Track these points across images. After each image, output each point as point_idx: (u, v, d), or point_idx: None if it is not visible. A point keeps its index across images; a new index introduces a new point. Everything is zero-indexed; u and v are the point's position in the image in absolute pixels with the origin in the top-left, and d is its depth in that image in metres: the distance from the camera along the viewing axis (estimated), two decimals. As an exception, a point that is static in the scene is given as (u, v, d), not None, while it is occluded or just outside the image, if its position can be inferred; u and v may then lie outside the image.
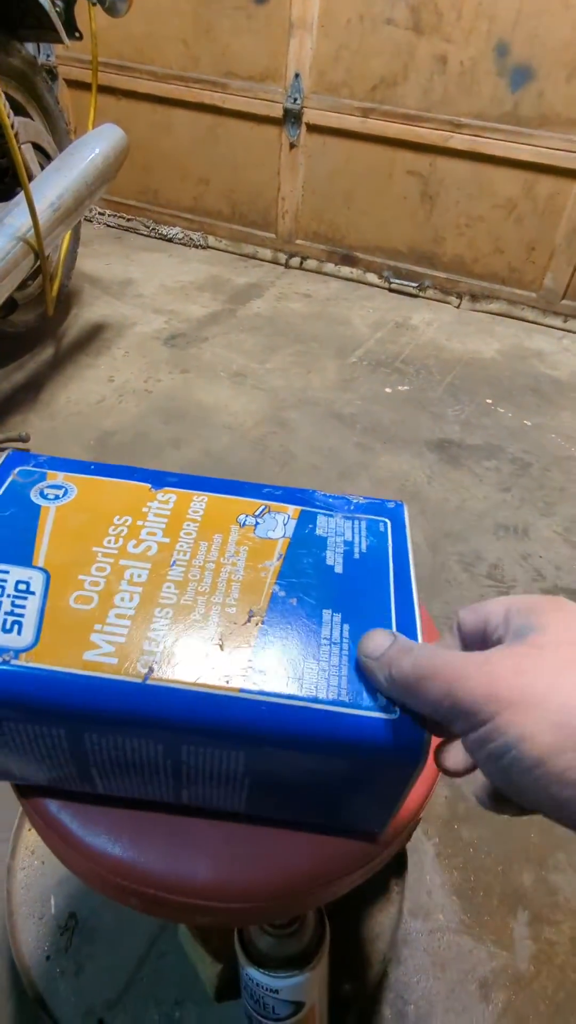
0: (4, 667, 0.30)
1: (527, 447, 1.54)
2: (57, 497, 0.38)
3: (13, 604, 0.32)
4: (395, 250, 2.20)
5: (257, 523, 0.38)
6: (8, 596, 0.32)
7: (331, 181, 2.15)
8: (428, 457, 1.47)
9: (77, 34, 1.51)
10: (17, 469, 0.40)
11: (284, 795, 0.34)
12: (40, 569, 0.34)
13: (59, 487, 0.39)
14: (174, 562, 0.35)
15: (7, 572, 0.34)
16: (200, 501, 0.39)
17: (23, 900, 0.64)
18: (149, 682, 0.30)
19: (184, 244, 2.44)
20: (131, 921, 0.63)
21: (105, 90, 2.24)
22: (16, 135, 1.22)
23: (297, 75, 1.99)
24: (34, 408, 1.51)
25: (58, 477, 0.40)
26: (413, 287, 2.20)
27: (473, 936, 0.73)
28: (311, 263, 2.31)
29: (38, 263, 1.29)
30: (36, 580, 0.33)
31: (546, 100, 1.80)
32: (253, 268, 2.32)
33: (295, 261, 2.32)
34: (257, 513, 0.39)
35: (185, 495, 0.39)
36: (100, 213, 2.53)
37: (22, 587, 0.33)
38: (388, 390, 1.71)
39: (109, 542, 0.36)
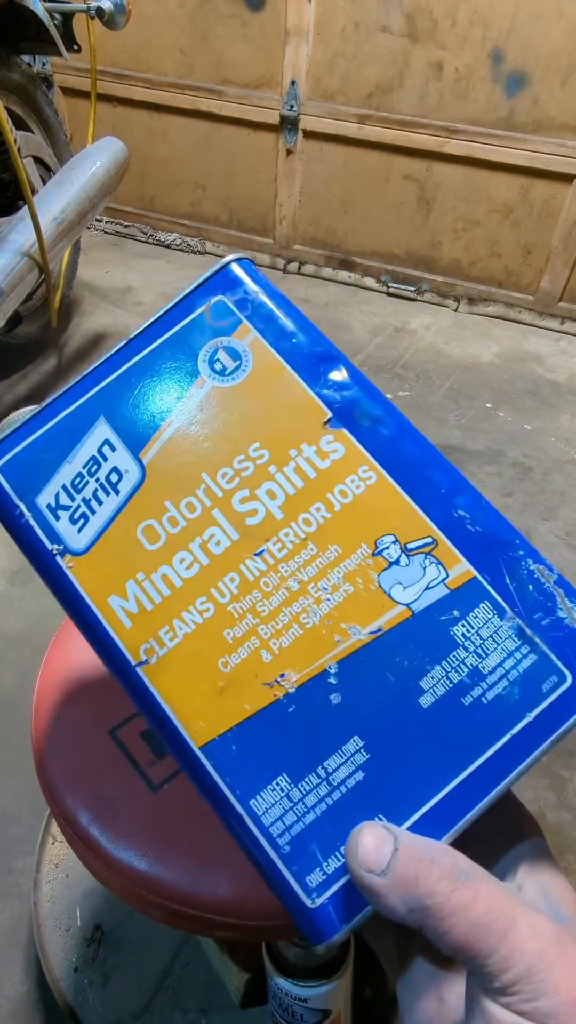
0: (54, 558, 0.27)
1: (527, 451, 1.56)
2: (223, 371, 0.28)
3: (95, 494, 0.27)
4: (392, 254, 2.22)
5: (396, 563, 0.26)
6: (97, 481, 0.27)
7: (328, 187, 2.16)
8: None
9: (76, 47, 1.52)
10: (218, 298, 0.30)
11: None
12: (141, 466, 0.27)
13: (237, 355, 0.29)
14: (262, 551, 0.26)
15: (114, 450, 0.28)
16: (366, 478, 0.27)
17: (49, 912, 0.65)
18: (138, 670, 0.25)
19: (182, 250, 2.45)
20: (155, 932, 0.64)
21: (101, 98, 2.24)
22: (18, 150, 1.23)
23: (293, 82, 2.00)
24: (39, 419, 1.52)
25: (247, 336, 0.29)
26: (411, 291, 2.21)
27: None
28: (309, 268, 2.33)
29: (42, 277, 1.30)
30: (129, 478, 0.27)
31: (541, 106, 1.82)
32: (251, 274, 2.33)
33: (293, 266, 2.34)
34: (411, 546, 0.26)
35: (356, 457, 0.27)
36: (98, 220, 2.54)
37: (113, 478, 0.27)
38: (389, 396, 1.72)
39: (223, 477, 0.27)
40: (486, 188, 1.99)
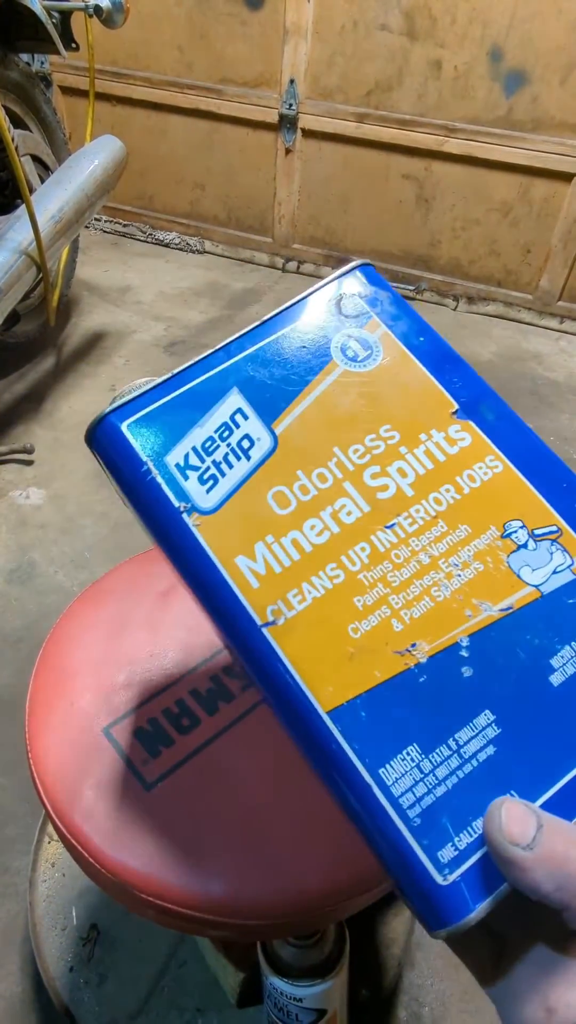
0: (180, 515, 0.27)
1: (526, 450, 1.56)
2: (355, 358, 0.30)
3: (226, 458, 0.28)
4: (391, 253, 2.21)
5: (524, 547, 0.27)
6: (229, 445, 0.28)
7: (327, 186, 2.16)
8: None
9: (74, 45, 1.51)
10: (352, 294, 0.32)
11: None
12: (273, 435, 0.29)
13: (368, 345, 0.31)
14: (393, 524, 0.27)
15: (246, 418, 0.29)
16: (493, 467, 0.29)
17: (45, 912, 0.65)
18: (264, 631, 0.25)
19: (181, 249, 2.44)
20: (151, 931, 0.64)
21: (100, 96, 2.24)
22: (16, 148, 1.23)
23: (292, 81, 2.00)
24: (36, 418, 1.52)
25: (377, 330, 0.31)
26: (410, 290, 2.21)
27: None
28: (308, 267, 2.33)
29: (40, 276, 1.30)
30: (261, 446, 0.28)
31: (540, 104, 1.81)
32: (250, 273, 2.33)
33: (292, 265, 2.34)
34: (538, 532, 0.28)
35: (482, 447, 0.29)
36: (97, 219, 2.54)
37: (245, 444, 0.28)
38: (387, 394, 1.72)
39: (355, 452, 0.29)
40: (485, 187, 1.98)
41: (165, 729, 0.43)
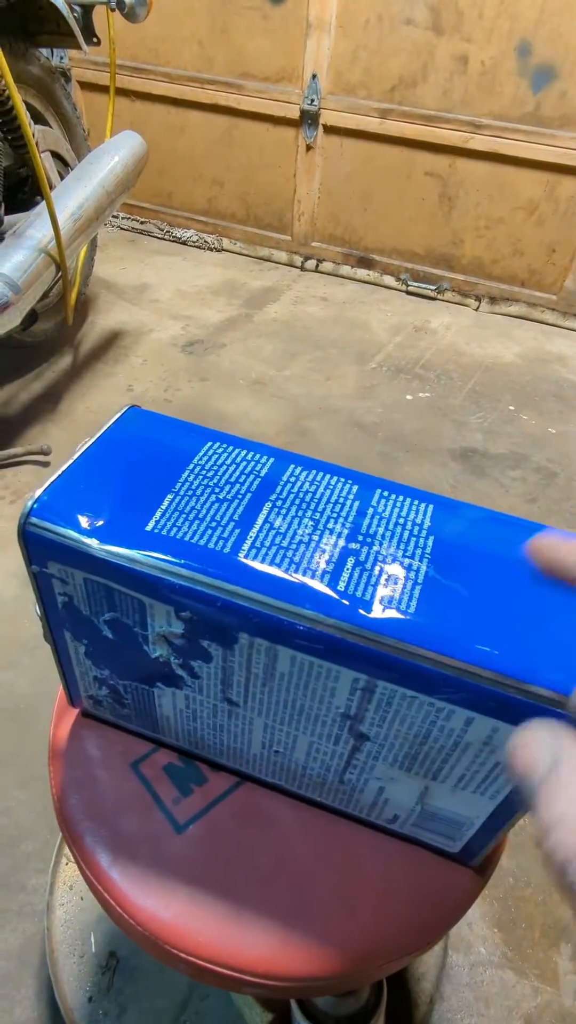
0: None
1: (552, 456, 1.52)
2: None
3: None
4: (413, 252, 2.17)
5: None
6: None
7: (348, 183, 2.12)
8: (452, 467, 1.45)
9: (95, 40, 1.49)
10: None
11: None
12: None
13: None
14: None
15: None
16: None
17: (63, 938, 0.63)
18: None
19: (199, 247, 2.42)
20: (172, 959, 0.62)
21: (119, 92, 2.21)
22: (36, 144, 1.21)
23: (314, 76, 1.97)
24: (53, 418, 1.50)
25: None
26: (431, 290, 2.17)
27: (516, 970, 0.72)
28: (327, 266, 2.29)
29: (59, 274, 1.28)
30: None
31: (569, 100, 1.77)
32: (268, 271, 2.30)
33: (311, 264, 2.30)
34: None
35: None
36: (114, 216, 2.52)
37: None
38: (409, 397, 1.69)
39: None
40: (511, 185, 1.94)
41: (197, 765, 0.41)
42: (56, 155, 1.47)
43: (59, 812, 0.39)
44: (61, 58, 2.25)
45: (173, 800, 0.39)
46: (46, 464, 1.35)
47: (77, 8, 1.43)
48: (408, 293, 2.20)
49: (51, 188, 1.31)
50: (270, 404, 1.61)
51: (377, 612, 0.27)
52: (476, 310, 2.15)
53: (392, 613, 0.27)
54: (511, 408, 1.68)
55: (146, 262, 2.28)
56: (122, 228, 2.51)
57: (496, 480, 1.43)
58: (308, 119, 2.04)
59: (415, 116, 1.92)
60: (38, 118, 1.44)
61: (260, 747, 0.35)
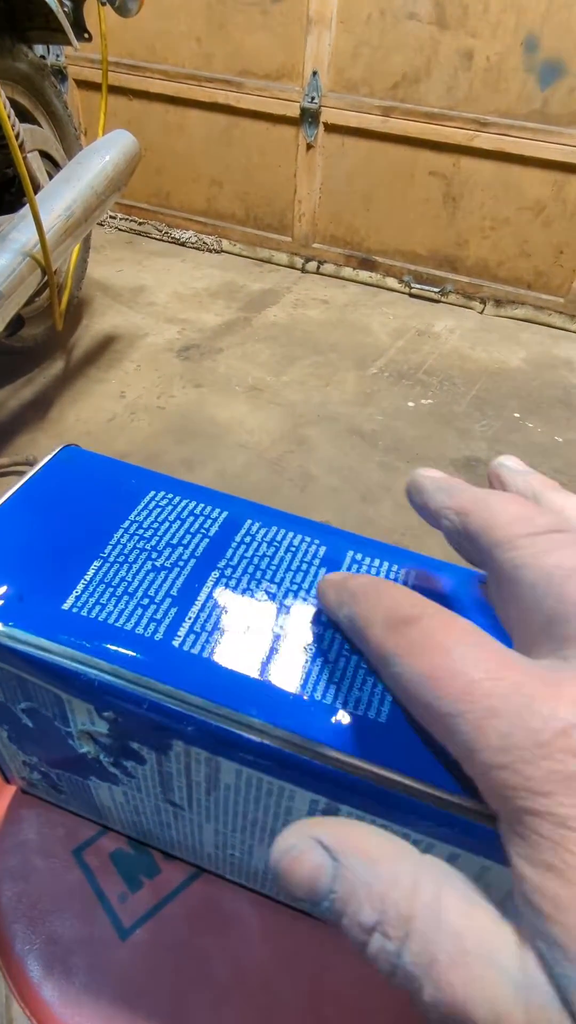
0: None
1: (559, 466, 1.46)
2: None
3: None
4: (416, 254, 2.12)
5: None
6: None
7: (350, 183, 2.07)
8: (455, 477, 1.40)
9: (86, 35, 1.44)
10: None
11: None
12: None
13: None
14: None
15: None
16: None
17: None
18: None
19: (197, 248, 2.37)
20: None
21: (116, 90, 2.17)
22: (22, 144, 1.16)
23: (315, 73, 1.91)
24: (42, 427, 1.45)
25: None
26: (435, 292, 2.12)
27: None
28: (328, 267, 2.24)
29: (45, 278, 1.23)
30: None
31: (578, 96, 1.71)
32: (268, 273, 2.25)
33: (312, 265, 2.25)
34: None
35: None
36: (111, 217, 2.47)
37: None
38: (411, 404, 1.63)
39: None
40: (517, 184, 1.88)
41: (150, 851, 0.35)
42: (45, 155, 1.42)
43: (-12, 909, 0.34)
44: (58, 56, 2.20)
45: (119, 896, 0.34)
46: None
47: (67, 3, 1.39)
48: (411, 296, 2.14)
49: (38, 189, 1.27)
50: (266, 411, 1.56)
51: (341, 719, 0.21)
52: (481, 313, 2.09)
53: (359, 723, 0.21)
54: (517, 415, 1.62)
55: (143, 264, 2.24)
56: (120, 229, 2.46)
57: (500, 492, 1.37)
58: (308, 117, 1.98)
59: (418, 114, 1.87)
60: (26, 116, 1.39)
61: (213, 847, 0.30)
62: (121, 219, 2.46)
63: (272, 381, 1.67)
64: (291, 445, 1.46)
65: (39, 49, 1.49)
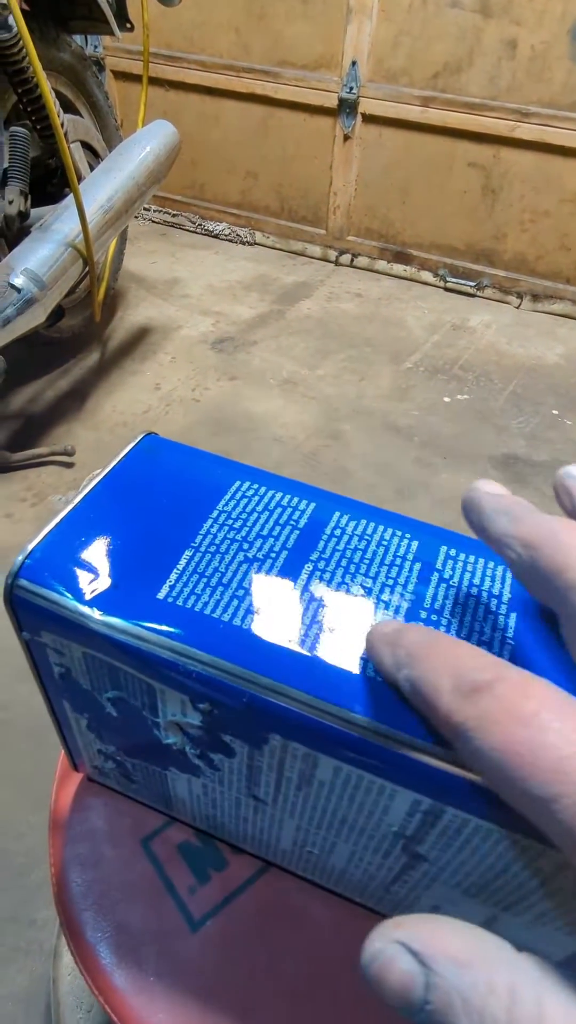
0: None
1: (599, 464, 1.43)
2: None
3: None
4: (452, 247, 2.09)
5: None
6: None
7: (386, 174, 2.05)
8: (492, 475, 1.38)
9: (128, 25, 1.44)
10: None
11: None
12: None
13: None
14: None
15: None
16: None
17: (70, 988, 0.58)
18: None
19: (231, 240, 2.36)
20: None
21: (153, 81, 2.17)
22: (65, 134, 1.16)
23: (354, 63, 1.89)
24: (79, 417, 1.46)
25: None
26: (470, 286, 2.09)
27: None
28: (362, 260, 2.22)
29: (87, 269, 1.23)
30: None
31: (625, 86, 1.67)
32: (302, 266, 2.23)
33: (345, 258, 2.23)
34: None
35: None
36: (146, 208, 2.48)
37: None
38: (447, 399, 1.61)
39: None
40: (558, 176, 1.84)
41: (217, 844, 0.35)
42: (87, 146, 1.43)
43: (57, 895, 0.35)
44: (96, 47, 2.21)
45: (188, 888, 0.34)
46: (70, 465, 1.32)
47: (111, -8, 1.39)
48: (446, 290, 2.12)
49: (80, 180, 1.27)
50: (301, 405, 1.55)
51: None
52: (518, 308, 2.06)
53: None
54: (555, 412, 1.59)
55: (177, 256, 2.24)
56: (153, 221, 2.47)
57: (539, 490, 1.35)
58: (346, 108, 1.96)
59: (458, 104, 1.84)
60: (68, 107, 1.40)
61: (291, 844, 0.30)
62: (155, 211, 2.46)
63: (307, 375, 1.66)
64: (326, 439, 1.45)
65: (79, 41, 1.50)
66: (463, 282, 2.09)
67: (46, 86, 1.02)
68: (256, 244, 2.35)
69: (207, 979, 0.31)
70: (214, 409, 1.52)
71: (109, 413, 1.48)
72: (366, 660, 0.22)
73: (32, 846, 0.77)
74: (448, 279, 2.11)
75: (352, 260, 2.23)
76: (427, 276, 2.15)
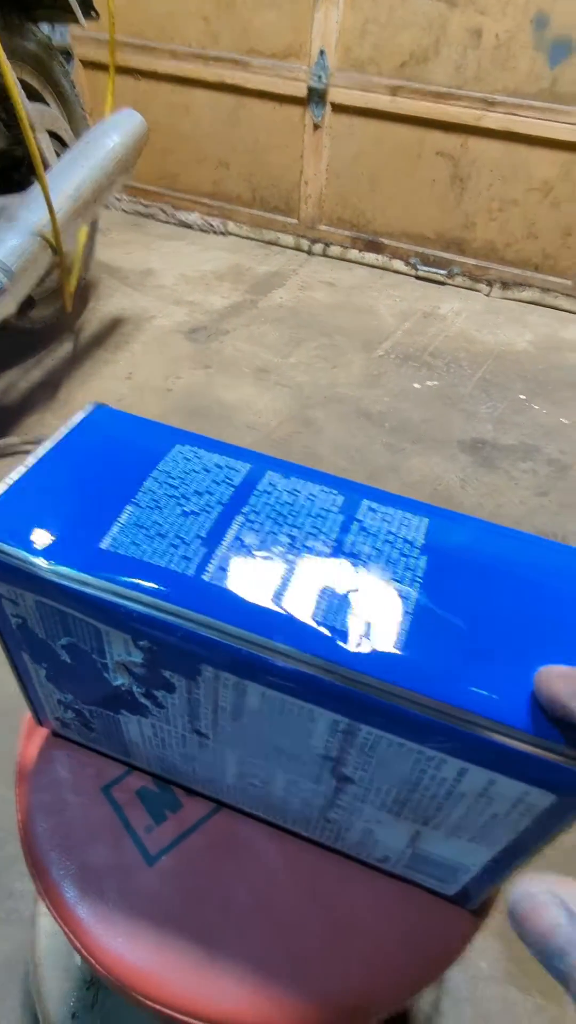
0: None
1: (564, 447, 1.47)
2: None
3: None
4: (422, 236, 2.12)
5: None
6: None
7: (357, 164, 2.06)
8: (461, 459, 1.41)
9: (94, 13, 1.44)
10: None
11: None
12: None
13: None
14: None
15: None
16: None
17: (49, 950, 0.61)
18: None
19: (203, 231, 2.37)
20: (160, 973, 0.60)
21: (123, 71, 2.16)
22: (31, 123, 1.17)
23: (322, 52, 1.90)
24: (50, 407, 1.47)
25: None
26: (441, 274, 2.12)
27: (519, 987, 0.69)
28: (335, 250, 2.24)
29: (56, 258, 1.24)
30: None
31: (587, 75, 1.70)
32: (275, 255, 2.25)
33: (318, 248, 2.25)
34: None
35: None
36: (118, 199, 2.47)
37: None
38: (417, 385, 1.64)
39: None
40: (525, 165, 1.87)
41: (172, 789, 0.38)
42: (54, 135, 1.43)
43: (24, 840, 0.37)
44: (62, 35, 2.19)
45: (146, 828, 0.36)
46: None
47: (75, -19, 1.38)
48: (417, 278, 2.14)
49: (47, 169, 1.27)
50: (274, 392, 1.57)
51: (359, 646, 0.23)
52: (487, 295, 2.09)
53: (376, 648, 0.23)
54: (522, 397, 1.63)
55: (151, 247, 2.24)
56: (126, 212, 2.46)
57: (506, 472, 1.39)
58: (316, 97, 1.98)
59: (426, 93, 1.86)
60: (34, 96, 1.39)
61: (235, 779, 0.32)
62: (129, 201, 2.46)
63: (279, 363, 1.68)
64: (298, 426, 1.48)
65: (46, 31, 1.49)
66: (434, 270, 2.12)
67: (10, 75, 1.02)
68: (229, 234, 2.36)
69: (163, 907, 0.34)
70: (187, 397, 1.53)
71: (81, 402, 1.49)
72: (288, 597, 0.25)
73: (4, 820, 0.79)
74: (419, 267, 2.13)
75: (324, 249, 2.25)
76: (399, 265, 2.17)
